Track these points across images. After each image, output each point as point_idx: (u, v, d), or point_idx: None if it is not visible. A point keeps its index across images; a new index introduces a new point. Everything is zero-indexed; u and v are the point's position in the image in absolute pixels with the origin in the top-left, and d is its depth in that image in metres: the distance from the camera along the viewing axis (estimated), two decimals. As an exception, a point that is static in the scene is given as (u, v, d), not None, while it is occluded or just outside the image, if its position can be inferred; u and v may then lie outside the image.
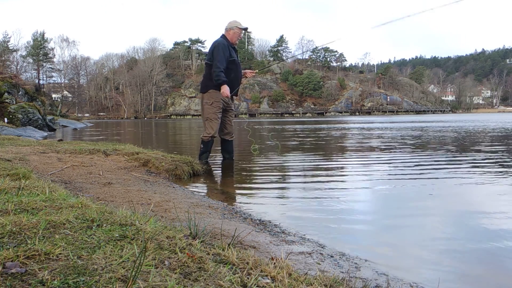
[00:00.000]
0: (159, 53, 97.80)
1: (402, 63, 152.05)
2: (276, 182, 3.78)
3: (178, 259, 1.22)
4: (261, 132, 13.37)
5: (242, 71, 5.19)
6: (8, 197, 1.80)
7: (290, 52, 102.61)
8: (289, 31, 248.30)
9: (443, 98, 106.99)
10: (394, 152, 6.39)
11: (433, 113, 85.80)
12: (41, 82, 71.43)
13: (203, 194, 3.23)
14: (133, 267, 1.06)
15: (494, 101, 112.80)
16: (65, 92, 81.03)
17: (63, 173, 3.34)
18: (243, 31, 5.01)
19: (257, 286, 1.14)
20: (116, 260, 1.14)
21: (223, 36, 4.94)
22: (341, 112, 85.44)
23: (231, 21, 4.99)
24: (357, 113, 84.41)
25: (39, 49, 76.52)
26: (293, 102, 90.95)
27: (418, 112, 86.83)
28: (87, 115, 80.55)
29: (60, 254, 1.15)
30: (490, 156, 5.67)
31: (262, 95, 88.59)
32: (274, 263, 1.33)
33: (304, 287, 1.19)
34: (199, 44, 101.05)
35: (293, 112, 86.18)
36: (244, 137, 7.16)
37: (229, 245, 1.46)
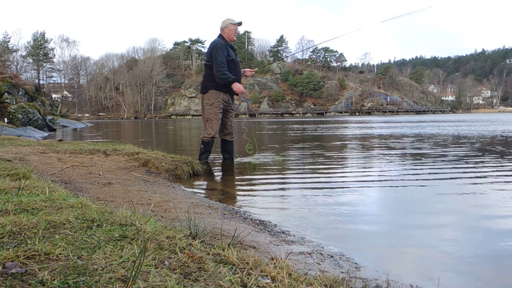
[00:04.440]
0: (159, 53, 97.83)
1: (402, 63, 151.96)
2: (276, 182, 3.78)
3: (178, 259, 1.22)
4: (259, 132, 13.38)
5: (242, 70, 5.19)
6: (8, 197, 1.80)
7: (290, 52, 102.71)
8: (289, 31, 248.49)
9: (443, 98, 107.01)
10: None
11: (433, 113, 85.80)
12: (41, 82, 71.37)
13: (203, 194, 3.23)
14: (133, 267, 1.06)
15: (494, 101, 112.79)
16: (65, 92, 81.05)
17: (63, 173, 3.34)
18: (238, 26, 4.99)
19: (257, 286, 1.14)
20: (116, 260, 1.14)
21: (220, 36, 4.94)
22: (341, 112, 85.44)
23: (224, 20, 4.99)
24: (357, 113, 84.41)
25: (39, 49, 76.48)
26: (293, 102, 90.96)
27: (418, 112, 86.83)
28: (87, 115, 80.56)
29: (60, 254, 1.15)
30: None
31: (262, 95, 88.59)
32: (274, 263, 1.33)
33: (304, 287, 1.19)
34: (199, 44, 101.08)
35: (293, 112, 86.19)
36: (245, 137, 7.14)
37: (229, 245, 1.46)
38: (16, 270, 1.03)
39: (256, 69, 5.56)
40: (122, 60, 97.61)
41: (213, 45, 4.83)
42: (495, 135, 10.47)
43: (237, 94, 5.16)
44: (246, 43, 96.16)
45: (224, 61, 4.73)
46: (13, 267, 1.04)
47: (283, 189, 3.46)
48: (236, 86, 4.81)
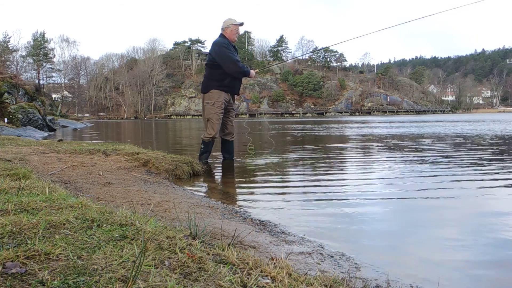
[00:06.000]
0: (159, 53, 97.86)
1: (402, 63, 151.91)
2: (276, 182, 3.78)
3: (178, 259, 1.22)
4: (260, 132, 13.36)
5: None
6: (8, 197, 1.80)
7: (290, 52, 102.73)
8: (289, 31, 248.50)
9: (443, 98, 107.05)
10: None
11: (433, 113, 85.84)
12: (41, 82, 71.36)
13: (203, 194, 3.23)
14: (133, 267, 1.06)
15: (494, 101, 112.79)
16: (65, 92, 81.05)
17: (63, 173, 3.34)
18: (240, 27, 5.00)
19: (257, 286, 1.14)
20: (116, 260, 1.14)
21: (222, 35, 4.93)
22: (341, 112, 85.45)
23: (226, 20, 4.98)
24: (357, 113, 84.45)
25: (39, 49, 76.51)
26: (293, 102, 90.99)
27: (418, 112, 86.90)
28: (87, 115, 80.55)
29: (60, 254, 1.15)
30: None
31: (262, 95, 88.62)
32: (274, 263, 1.33)
33: (304, 287, 1.19)
34: (199, 44, 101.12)
35: (293, 112, 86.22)
36: (244, 137, 7.17)
37: (229, 245, 1.46)
38: (16, 270, 1.03)
39: (257, 70, 5.56)
40: (122, 60, 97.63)
41: (220, 45, 4.80)
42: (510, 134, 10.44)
43: (238, 94, 5.17)
44: (246, 43, 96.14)
45: (234, 56, 4.80)
46: (13, 267, 1.04)
47: (283, 189, 3.46)
48: (252, 74, 5.03)
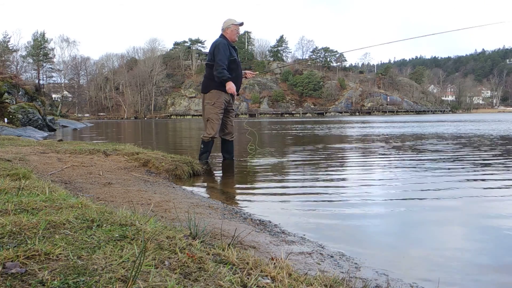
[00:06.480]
0: (159, 53, 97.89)
1: (402, 63, 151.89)
2: (276, 182, 3.77)
3: (178, 259, 1.22)
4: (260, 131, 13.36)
5: (243, 71, 5.19)
6: (8, 197, 1.80)
7: (290, 52, 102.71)
8: (289, 31, 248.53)
9: (443, 98, 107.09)
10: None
11: (433, 113, 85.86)
12: (41, 82, 71.40)
13: (203, 194, 3.23)
14: (133, 267, 1.06)
15: (494, 101, 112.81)
16: (65, 92, 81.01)
17: (63, 173, 3.34)
18: (240, 27, 5.01)
19: (257, 286, 1.14)
20: (116, 260, 1.14)
21: (222, 36, 4.94)
22: (341, 112, 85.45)
23: (226, 20, 5.00)
24: (357, 113, 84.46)
25: (39, 49, 76.52)
26: (293, 102, 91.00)
27: (418, 112, 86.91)
28: (87, 115, 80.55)
29: (60, 254, 1.15)
30: None
31: (262, 95, 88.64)
32: (274, 263, 1.33)
33: (304, 287, 1.19)
34: (199, 44, 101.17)
35: (293, 112, 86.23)
36: (244, 137, 7.17)
37: (229, 245, 1.46)
38: (16, 270, 1.03)
39: (257, 72, 5.56)
40: (122, 60, 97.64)
41: (216, 45, 4.82)
42: None
43: (238, 94, 5.17)
44: (246, 43, 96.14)
45: (224, 61, 4.73)
46: (13, 267, 1.04)
47: (283, 189, 3.45)
48: (229, 85, 4.76)
